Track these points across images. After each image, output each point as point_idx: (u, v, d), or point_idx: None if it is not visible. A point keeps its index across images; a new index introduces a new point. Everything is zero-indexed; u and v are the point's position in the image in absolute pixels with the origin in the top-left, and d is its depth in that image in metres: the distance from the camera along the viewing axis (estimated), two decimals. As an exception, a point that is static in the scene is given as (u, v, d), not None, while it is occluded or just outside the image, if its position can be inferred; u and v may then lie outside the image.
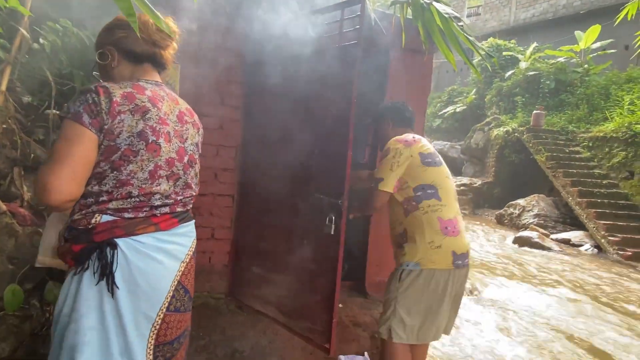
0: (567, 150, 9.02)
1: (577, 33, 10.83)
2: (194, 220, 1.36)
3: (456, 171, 12.03)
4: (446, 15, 1.82)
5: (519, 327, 3.64)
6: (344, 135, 2.14)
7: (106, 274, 1.10)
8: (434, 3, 1.88)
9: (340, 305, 3.03)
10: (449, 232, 1.88)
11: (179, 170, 1.25)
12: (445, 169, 2.02)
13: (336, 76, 2.21)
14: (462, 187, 10.42)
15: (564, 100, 10.49)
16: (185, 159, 1.28)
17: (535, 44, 11.98)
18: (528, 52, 11.85)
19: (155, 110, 1.18)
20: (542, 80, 10.72)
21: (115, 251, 1.12)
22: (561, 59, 10.94)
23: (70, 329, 1.09)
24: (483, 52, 2.01)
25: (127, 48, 1.22)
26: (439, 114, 14.35)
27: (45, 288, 1.60)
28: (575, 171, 8.30)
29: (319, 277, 2.35)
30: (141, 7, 1.02)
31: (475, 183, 10.56)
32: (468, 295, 4.33)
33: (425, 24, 1.98)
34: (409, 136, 2.01)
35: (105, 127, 1.09)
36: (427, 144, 2.02)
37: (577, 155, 8.84)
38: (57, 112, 1.91)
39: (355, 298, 3.18)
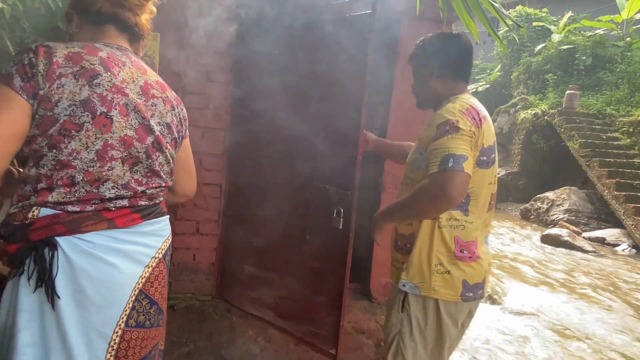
0: (604, 137, 9.01)
1: (619, 1, 10.72)
2: (167, 216, 1.29)
3: (477, 159, 12.07)
4: (469, -21, 1.81)
5: (549, 344, 3.67)
6: (355, 118, 2.14)
7: (44, 279, 1.02)
8: (455, -36, 1.86)
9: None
10: (464, 257, 1.60)
11: (138, 152, 1.16)
12: (494, 169, 1.65)
13: (347, 50, 2.20)
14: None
15: (601, 78, 10.44)
16: (149, 139, 1.18)
17: (570, 13, 11.88)
18: (562, 22, 11.76)
19: (107, 75, 1.10)
20: (577, 55, 10.66)
21: (55, 252, 1.04)
22: (600, 31, 10.86)
23: (10, 346, 1.03)
24: (510, 22, 1.99)
25: (85, 7, 1.18)
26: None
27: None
28: (612, 160, 8.30)
29: (324, 276, 2.37)
30: None
31: (498, 173, 10.58)
32: (487, 301, 4.37)
33: (444, -12, 1.97)
34: (476, 107, 1.55)
35: (41, 92, 1.02)
36: (491, 130, 1.59)
37: (615, 143, 8.84)
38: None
39: (359, 301, 3.21)
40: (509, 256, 6.24)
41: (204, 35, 2.40)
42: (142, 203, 1.19)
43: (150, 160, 1.19)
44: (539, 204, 8.97)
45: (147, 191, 1.20)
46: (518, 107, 11.05)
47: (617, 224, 7.71)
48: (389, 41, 3.05)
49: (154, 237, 1.23)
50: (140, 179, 1.18)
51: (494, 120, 11.51)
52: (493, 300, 4.43)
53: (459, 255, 1.58)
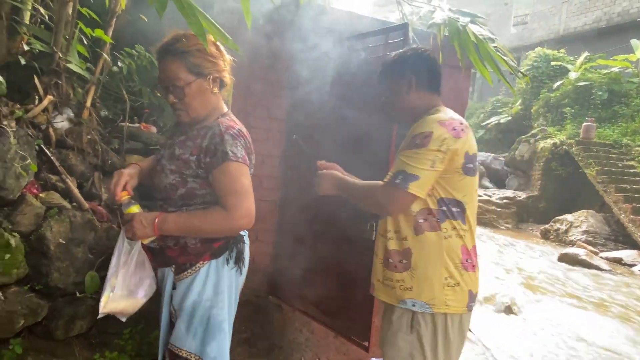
0: (620, 165, 8.56)
1: (634, 41, 10.31)
2: None
3: (500, 184, 11.73)
4: (481, 37, 1.93)
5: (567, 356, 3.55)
6: (386, 148, 2.29)
7: (242, 259, 1.39)
8: (470, 25, 1.99)
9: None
10: (469, 266, 1.42)
11: None
12: (477, 177, 1.47)
13: (376, 92, 2.36)
14: (505, 200, 10.15)
15: (617, 111, 9.98)
16: None
17: (586, 54, 11.50)
18: (578, 61, 11.39)
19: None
20: (593, 91, 10.27)
21: (243, 241, 1.42)
22: (615, 69, 10.42)
23: (218, 308, 1.33)
24: (517, 70, 2.09)
25: (221, 78, 1.34)
26: (482, 124, 14.05)
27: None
28: (629, 187, 7.87)
29: (359, 279, 2.48)
30: (208, 28, 1.22)
31: (520, 196, 10.25)
32: (505, 312, 4.28)
33: (462, 43, 2.10)
34: (455, 119, 1.37)
35: (251, 165, 1.37)
36: (474, 140, 1.42)
37: (631, 170, 8.38)
38: (130, 124, 2.20)
39: (390, 304, 3.26)
40: (528, 272, 6.04)
41: (266, 83, 2.65)
42: None
43: None
44: (558, 225, 8.60)
45: None
46: (538, 137, 10.73)
47: (634, 245, 7.25)
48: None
49: None
50: None
51: (515, 149, 11.22)
52: (510, 311, 4.34)
53: (465, 264, 1.41)
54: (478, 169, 1.44)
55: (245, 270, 1.47)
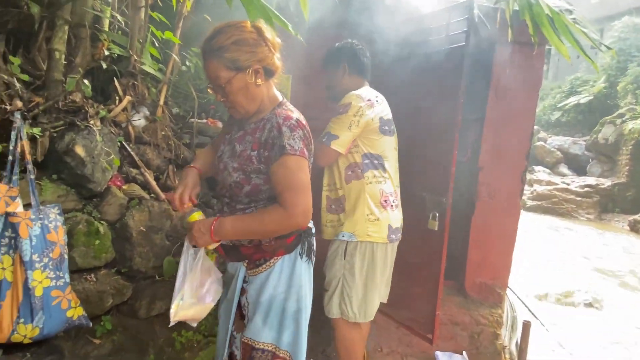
0: None
1: None
2: None
3: (580, 170, 10.71)
4: (556, 9, 1.76)
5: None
6: (450, 135, 2.20)
7: (312, 251, 1.43)
8: (542, -3, 1.82)
9: (438, 303, 3.06)
10: (388, 205, 1.85)
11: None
12: (396, 139, 1.94)
13: (443, 78, 2.28)
14: (586, 189, 9.26)
15: None
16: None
17: (687, 19, 10.02)
18: (677, 29, 9.96)
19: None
20: (695, 62, 8.94)
21: (312, 234, 1.44)
22: None
23: (292, 300, 1.36)
24: (600, 44, 1.88)
25: (269, 67, 1.26)
26: (559, 105, 12.89)
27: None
28: None
29: (422, 271, 2.44)
30: (269, 13, 1.22)
31: (603, 184, 9.29)
32: (586, 308, 3.94)
33: (534, 17, 1.93)
34: (371, 93, 1.83)
35: (310, 155, 1.30)
36: (387, 108, 1.88)
37: None
38: (199, 120, 2.33)
39: (454, 297, 3.16)
40: (615, 267, 5.49)
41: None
42: None
43: None
44: (650, 215, 7.69)
45: None
46: (625, 117, 9.61)
47: None
48: (484, 64, 3.00)
49: None
50: None
51: (597, 132, 10.18)
52: (593, 306, 3.98)
53: (384, 204, 1.83)
54: (394, 132, 1.93)
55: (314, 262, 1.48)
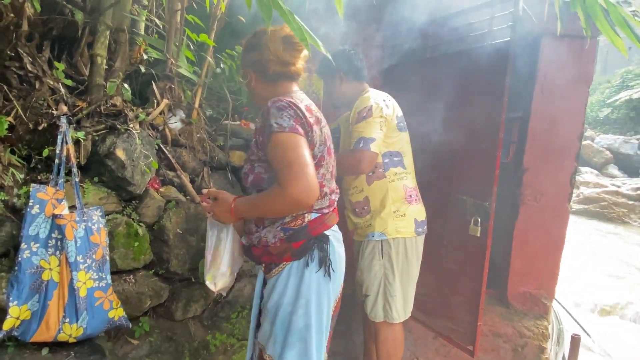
0: None
1: None
2: None
3: (632, 171, 10.17)
4: (612, 0, 1.67)
5: None
6: (494, 135, 2.14)
7: (325, 262, 1.31)
8: (597, -13, 1.74)
9: (479, 312, 2.98)
10: (413, 199, 1.94)
11: (334, 167, 1.43)
12: (408, 134, 2.00)
13: (486, 75, 2.22)
14: (639, 192, 8.77)
15: None
16: (334, 156, 1.44)
17: None
18: None
19: (322, 117, 1.36)
20: None
21: (330, 242, 1.33)
22: None
23: (298, 314, 1.28)
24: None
25: (263, 70, 1.35)
26: (608, 101, 12.30)
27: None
28: None
29: (463, 278, 2.39)
30: (304, 34, 1.24)
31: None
32: (636, 322, 3.72)
33: (586, 9, 1.84)
34: (380, 94, 1.91)
35: (309, 138, 1.24)
36: (398, 106, 1.95)
37: None
38: (232, 122, 2.38)
39: (496, 307, 3.07)
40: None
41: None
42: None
43: (335, 170, 1.48)
44: None
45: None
46: (685, 113, 9.04)
47: None
48: (530, 59, 2.91)
49: None
50: (336, 187, 1.47)
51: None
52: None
53: (408, 199, 1.92)
54: (407, 128, 2.00)
55: (337, 275, 1.37)
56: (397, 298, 1.98)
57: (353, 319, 2.85)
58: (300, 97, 1.33)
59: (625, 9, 1.61)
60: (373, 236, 1.92)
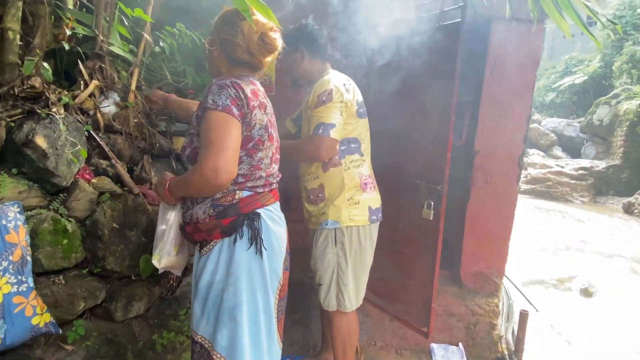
0: None
1: None
2: None
3: (574, 152, 10.81)
4: (558, -18, 1.68)
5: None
6: (445, 118, 2.12)
7: (256, 239, 1.30)
8: (544, -32, 1.73)
9: (433, 293, 3.03)
10: (368, 187, 1.89)
11: (278, 154, 1.46)
12: (367, 120, 1.94)
13: (437, 58, 2.18)
14: (580, 171, 9.35)
15: None
16: (276, 144, 1.46)
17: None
18: (674, 5, 9.98)
19: (269, 105, 1.37)
20: (692, 39, 8.98)
21: (261, 220, 1.32)
22: None
23: (229, 292, 1.28)
24: (604, 19, 1.80)
25: (228, 50, 1.36)
26: (554, 86, 12.93)
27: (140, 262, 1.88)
28: None
29: (417, 261, 2.39)
30: (253, 4, 1.17)
31: (598, 166, 9.39)
32: (583, 295, 3.96)
33: (534, -10, 1.84)
34: (342, 77, 1.82)
35: (247, 120, 1.26)
36: (358, 90, 1.87)
37: None
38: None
39: (449, 287, 3.14)
40: (607, 250, 5.56)
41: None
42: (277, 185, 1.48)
43: (279, 157, 1.48)
44: (644, 197, 7.80)
45: (278, 178, 1.49)
46: (621, 97, 9.67)
47: None
48: (480, 42, 2.92)
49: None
50: (278, 172, 1.48)
51: (592, 113, 10.23)
52: (587, 294, 4.01)
53: (363, 187, 1.87)
54: (367, 114, 1.92)
55: (275, 255, 1.38)
56: (350, 287, 1.95)
57: (309, 307, 2.80)
58: (250, 80, 1.35)
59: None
60: (327, 224, 1.88)
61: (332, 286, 1.94)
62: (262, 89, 1.40)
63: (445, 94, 2.12)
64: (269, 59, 1.40)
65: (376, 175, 2.05)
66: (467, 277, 3.15)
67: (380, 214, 1.98)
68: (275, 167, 1.44)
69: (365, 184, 1.90)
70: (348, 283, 1.93)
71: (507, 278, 4.18)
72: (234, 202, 1.30)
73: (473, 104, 3.13)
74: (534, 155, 10.77)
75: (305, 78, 1.91)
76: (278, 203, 1.48)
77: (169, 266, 1.56)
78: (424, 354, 2.69)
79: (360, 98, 1.87)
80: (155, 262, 1.53)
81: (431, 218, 2.23)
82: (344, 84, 1.78)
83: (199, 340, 1.34)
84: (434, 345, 2.73)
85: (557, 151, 11.12)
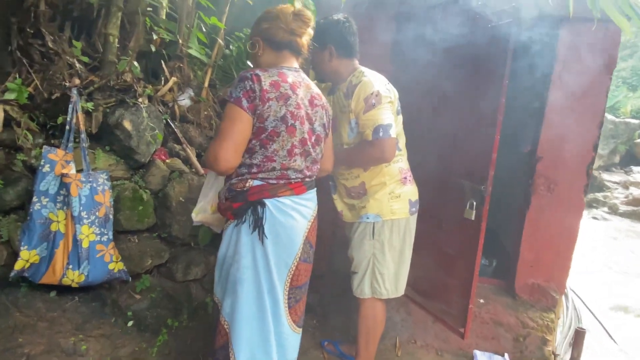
0: None
1: None
2: (316, 188, 1.61)
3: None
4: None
5: None
6: (493, 119, 2.11)
7: (258, 226, 1.39)
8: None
9: (481, 301, 2.94)
10: (407, 181, 1.94)
11: (309, 148, 1.47)
12: (402, 116, 1.96)
13: (487, 58, 2.18)
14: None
15: None
16: (313, 138, 1.48)
17: None
18: None
19: (294, 96, 1.39)
20: None
21: (265, 209, 1.40)
22: None
23: (234, 267, 1.41)
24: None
25: (270, 37, 1.44)
26: (670, 97, 11.27)
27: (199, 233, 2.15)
28: None
29: (457, 261, 2.38)
30: None
31: None
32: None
33: (591, -12, 1.77)
34: (379, 77, 1.83)
35: (258, 111, 1.32)
36: (394, 89, 1.89)
37: None
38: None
39: (502, 297, 3.00)
40: None
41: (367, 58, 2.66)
42: (307, 179, 1.52)
43: (315, 153, 1.52)
44: None
45: (310, 172, 1.52)
46: None
47: None
48: (547, 44, 2.79)
49: (312, 201, 1.57)
50: (309, 165, 1.51)
51: None
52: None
53: (403, 181, 1.92)
54: (400, 111, 1.95)
55: (282, 243, 1.43)
56: (387, 275, 1.99)
57: (352, 300, 2.90)
58: (280, 72, 1.40)
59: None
60: (367, 218, 1.90)
61: (366, 274, 2.00)
62: (293, 79, 1.41)
63: (495, 95, 2.11)
64: (306, 37, 1.48)
65: (424, 173, 2.09)
66: (522, 288, 3.00)
67: (418, 206, 2.02)
68: (298, 161, 1.44)
69: (405, 177, 1.94)
70: (384, 272, 1.98)
71: (579, 298, 3.84)
72: (245, 189, 1.39)
73: (539, 109, 2.98)
74: (639, 174, 9.51)
75: (333, 77, 1.88)
76: (303, 196, 1.49)
77: (204, 221, 1.68)
78: (465, 359, 2.64)
79: (397, 95, 1.90)
80: (193, 215, 1.68)
81: (473, 218, 2.21)
82: (385, 85, 1.81)
83: (216, 300, 1.52)
84: (477, 352, 2.66)
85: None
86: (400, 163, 1.95)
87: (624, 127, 10.41)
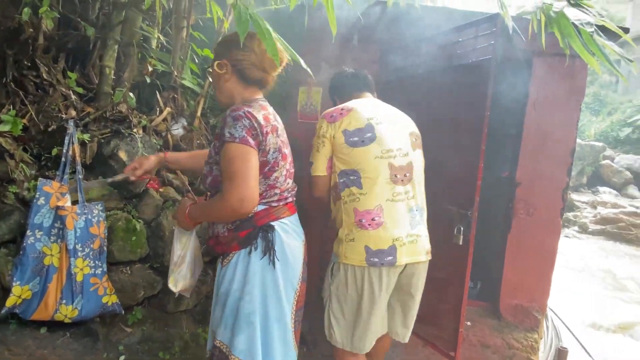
0: None
1: None
2: None
3: (652, 193, 9.86)
4: (578, 21, 1.75)
5: None
6: (476, 147, 2.21)
7: (269, 249, 1.36)
8: (566, 9, 1.82)
9: (468, 323, 2.99)
10: (364, 225, 1.64)
11: (292, 169, 1.52)
12: (377, 146, 1.68)
13: (469, 91, 2.31)
14: (658, 214, 8.50)
15: None
16: (290, 158, 1.51)
17: None
18: None
19: (279, 125, 1.43)
20: None
21: (274, 232, 1.38)
22: None
23: (245, 300, 1.34)
24: (618, 58, 1.84)
25: (242, 71, 1.37)
26: (629, 121, 12.02)
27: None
28: None
29: (447, 286, 2.43)
30: (274, 48, 1.35)
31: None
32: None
33: (562, 30, 1.92)
34: (338, 108, 1.75)
35: (262, 147, 1.32)
36: (358, 117, 1.69)
37: None
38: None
39: (488, 319, 3.07)
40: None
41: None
42: (294, 198, 1.54)
43: (293, 171, 1.55)
44: None
45: (295, 191, 1.55)
46: None
47: None
48: (523, 77, 2.97)
49: (298, 220, 1.57)
50: (293, 186, 1.53)
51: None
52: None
53: (359, 224, 1.64)
54: (372, 140, 1.68)
55: (289, 266, 1.42)
56: (342, 322, 1.74)
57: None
58: (260, 104, 1.39)
59: (587, 29, 1.68)
60: (333, 258, 1.77)
61: (325, 315, 1.79)
62: (271, 110, 1.43)
63: (478, 124, 2.22)
64: (275, 75, 1.45)
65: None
66: (506, 310, 3.07)
67: (392, 258, 1.66)
68: (289, 182, 1.48)
69: (360, 220, 1.65)
70: (338, 317, 1.75)
71: (558, 317, 3.95)
72: (250, 215, 1.35)
73: (516, 136, 3.14)
74: (606, 194, 9.98)
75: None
76: (295, 216, 1.51)
77: (183, 290, 1.60)
78: (455, 382, 2.66)
79: (355, 126, 1.71)
80: (171, 286, 1.56)
81: (460, 242, 2.29)
82: (332, 116, 1.75)
83: (218, 344, 1.39)
84: (466, 375, 2.70)
85: (633, 190, 10.21)
86: (356, 203, 1.67)
87: (589, 149, 10.97)
